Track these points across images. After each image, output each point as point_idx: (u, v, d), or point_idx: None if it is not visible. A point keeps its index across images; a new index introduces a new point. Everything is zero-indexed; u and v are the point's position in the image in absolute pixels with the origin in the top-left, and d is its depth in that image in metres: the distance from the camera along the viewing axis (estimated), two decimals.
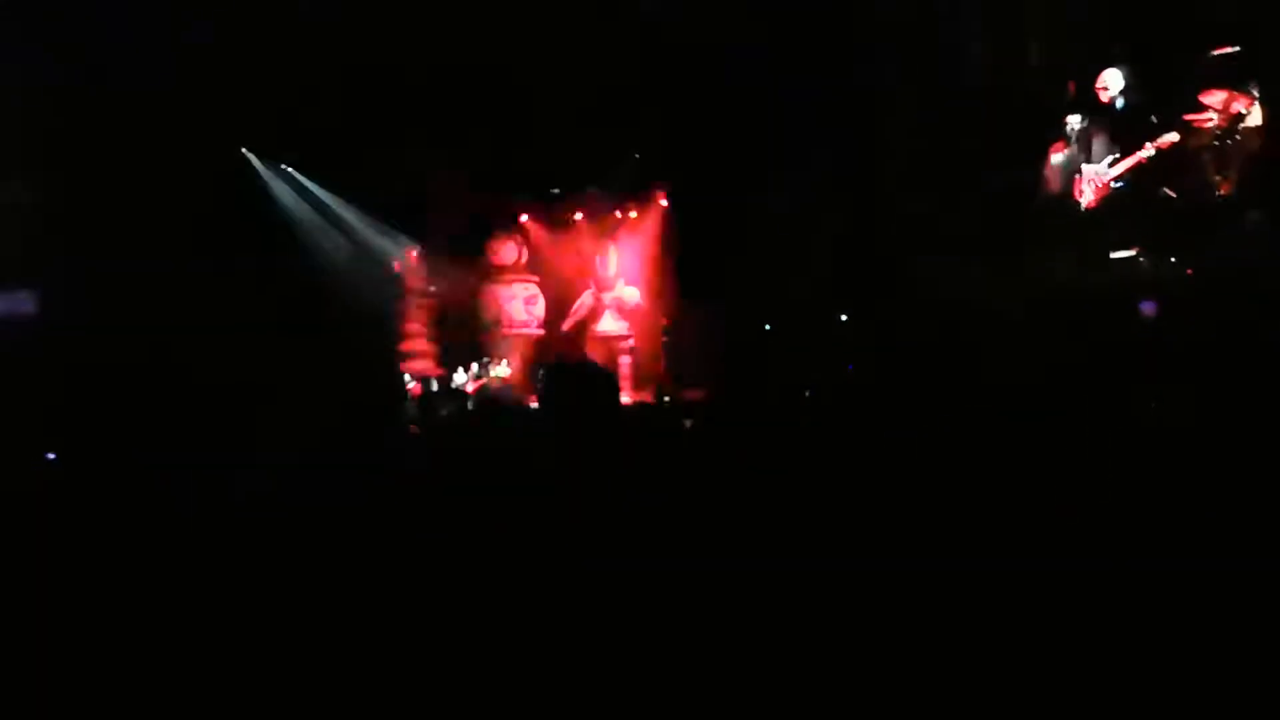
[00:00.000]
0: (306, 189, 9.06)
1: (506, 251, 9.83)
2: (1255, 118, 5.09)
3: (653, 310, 9.56)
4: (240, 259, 7.28)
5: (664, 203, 9.51)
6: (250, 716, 1.38)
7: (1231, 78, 5.15)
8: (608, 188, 9.67)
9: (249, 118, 7.80)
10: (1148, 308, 4.52)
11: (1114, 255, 5.57)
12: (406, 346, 9.37)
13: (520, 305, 9.83)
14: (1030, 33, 6.53)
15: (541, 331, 9.89)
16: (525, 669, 1.37)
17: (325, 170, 8.92)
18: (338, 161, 8.54)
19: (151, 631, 1.47)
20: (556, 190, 9.74)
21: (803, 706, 1.35)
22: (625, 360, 9.30)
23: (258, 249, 7.73)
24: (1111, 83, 5.76)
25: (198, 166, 7.28)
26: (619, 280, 9.75)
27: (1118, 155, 5.71)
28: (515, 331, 9.78)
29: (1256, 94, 5.11)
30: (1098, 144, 5.86)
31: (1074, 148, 5.98)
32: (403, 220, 9.43)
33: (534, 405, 2.97)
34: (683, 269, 9.00)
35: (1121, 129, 5.70)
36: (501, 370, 9.20)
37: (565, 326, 9.79)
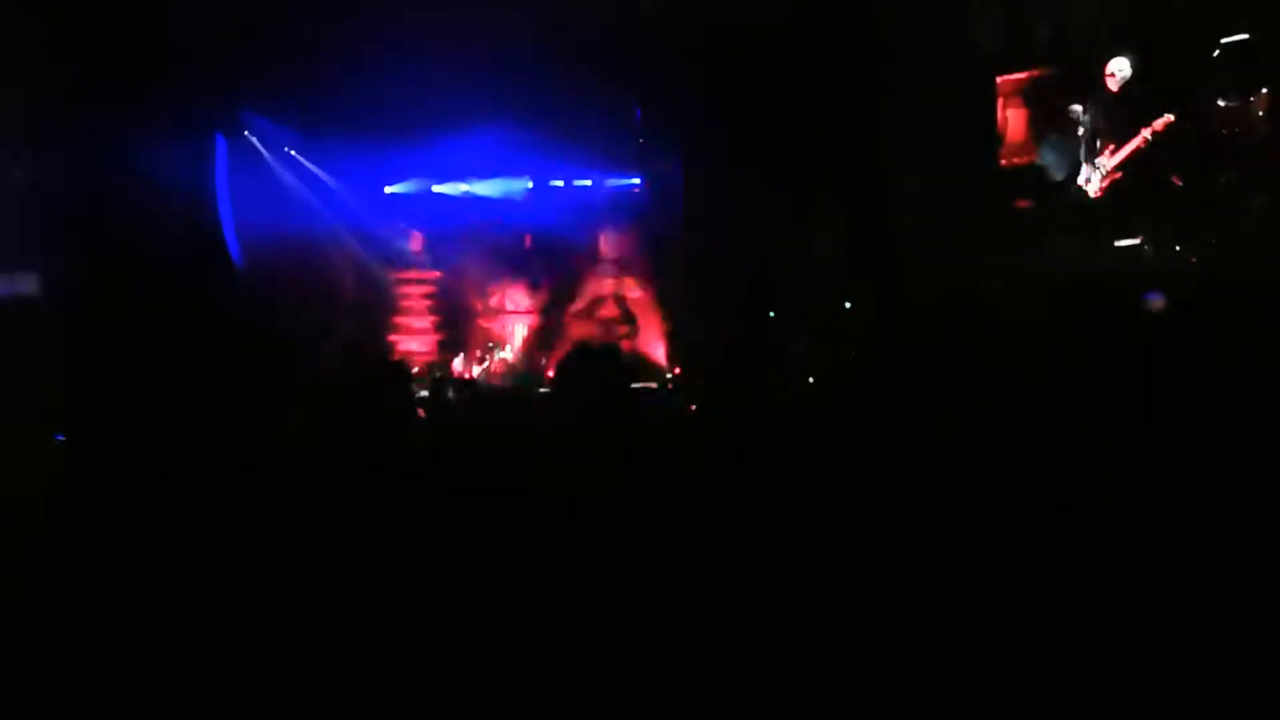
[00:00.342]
0: (309, 172, 9.04)
1: (511, 237, 9.82)
2: (1262, 106, 5.05)
3: (657, 297, 9.55)
4: (239, 242, 7.27)
5: (668, 189, 9.47)
6: (250, 716, 1.39)
7: (1241, 65, 5.11)
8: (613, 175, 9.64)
9: (254, 97, 7.77)
10: (1155, 299, 4.50)
11: (1119, 243, 5.55)
12: (410, 331, 9.39)
13: (524, 291, 9.83)
14: (1039, 16, 6.47)
15: (546, 317, 9.89)
16: (524, 669, 1.38)
17: (329, 153, 8.89)
18: (342, 144, 8.52)
19: (151, 629, 1.47)
20: (561, 177, 9.71)
21: (803, 706, 1.35)
22: (626, 347, 9.30)
23: (257, 233, 7.73)
24: (1119, 69, 5.71)
25: (198, 147, 7.26)
26: (622, 267, 9.74)
27: (1120, 142, 5.68)
28: (519, 317, 9.79)
29: (1265, 82, 5.06)
30: (1104, 131, 5.82)
31: (1079, 135, 5.94)
32: (407, 205, 9.43)
33: (543, 391, 2.96)
34: (687, 256, 8.98)
35: (1129, 116, 5.66)
36: (505, 355, 9.23)
37: (569, 313, 9.80)
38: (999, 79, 6.48)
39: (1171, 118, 5.34)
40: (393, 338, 9.09)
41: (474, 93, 7.96)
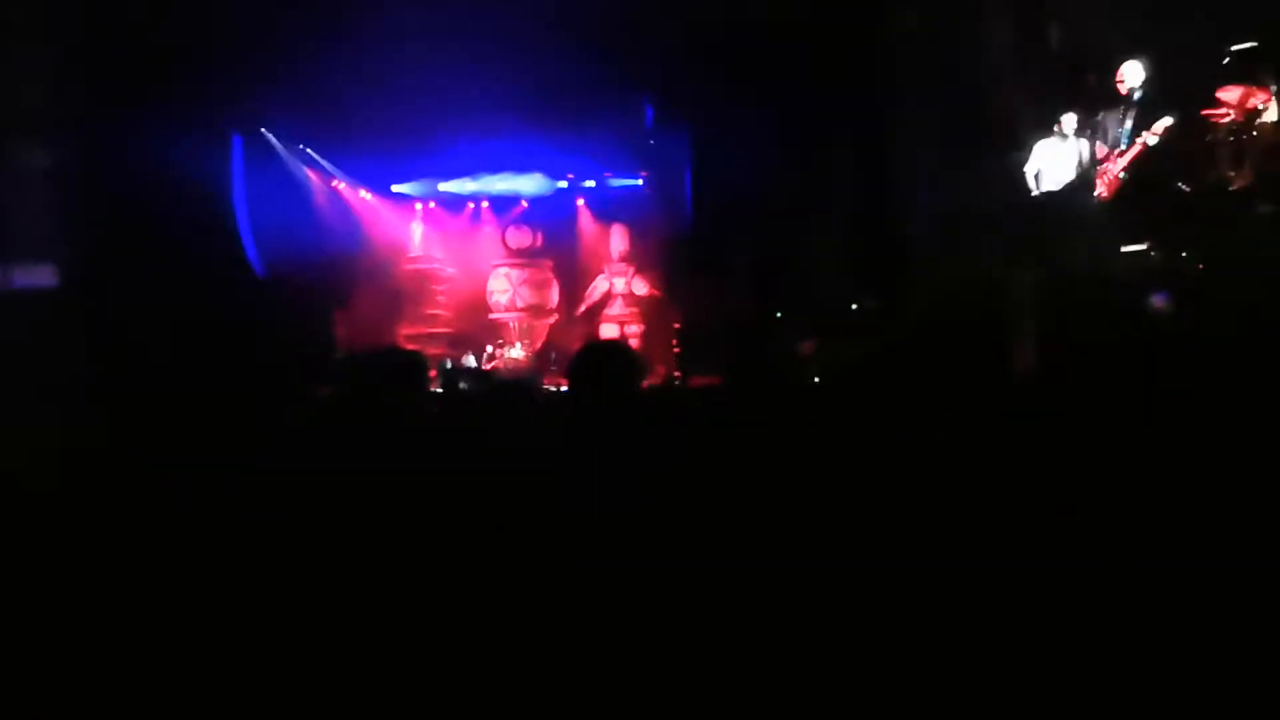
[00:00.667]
0: (323, 169, 9.10)
1: (520, 236, 9.86)
2: (1272, 113, 5.05)
3: (664, 297, 9.58)
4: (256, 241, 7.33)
5: (677, 189, 9.50)
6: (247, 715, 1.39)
7: (1249, 73, 5.11)
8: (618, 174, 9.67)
9: (269, 94, 7.82)
10: (1160, 300, 4.52)
11: (1125, 249, 5.56)
12: (421, 329, 9.44)
13: (533, 289, 9.88)
14: (1051, 19, 6.47)
15: (555, 316, 9.93)
16: (522, 668, 1.39)
17: (340, 151, 8.95)
18: (352, 141, 8.57)
19: (155, 626, 1.47)
20: (569, 176, 9.75)
21: (803, 706, 1.37)
22: (634, 345, 9.33)
23: (273, 230, 7.78)
24: (1131, 75, 5.72)
25: (215, 145, 7.32)
26: (631, 266, 9.77)
27: (1125, 147, 5.70)
28: (528, 314, 9.84)
29: (1274, 89, 5.06)
30: (1112, 136, 5.83)
31: (1084, 141, 5.95)
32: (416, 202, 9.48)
33: (550, 388, 2.99)
34: (695, 255, 9.00)
35: (1134, 122, 5.67)
36: (514, 352, 9.27)
37: (579, 311, 9.83)
38: (1005, 82, 6.49)
39: (1170, 122, 5.35)
40: (403, 334, 9.15)
41: (483, 91, 8.00)
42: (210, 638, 1.49)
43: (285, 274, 7.54)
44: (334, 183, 9.24)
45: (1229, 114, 5.21)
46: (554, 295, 9.95)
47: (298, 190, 8.76)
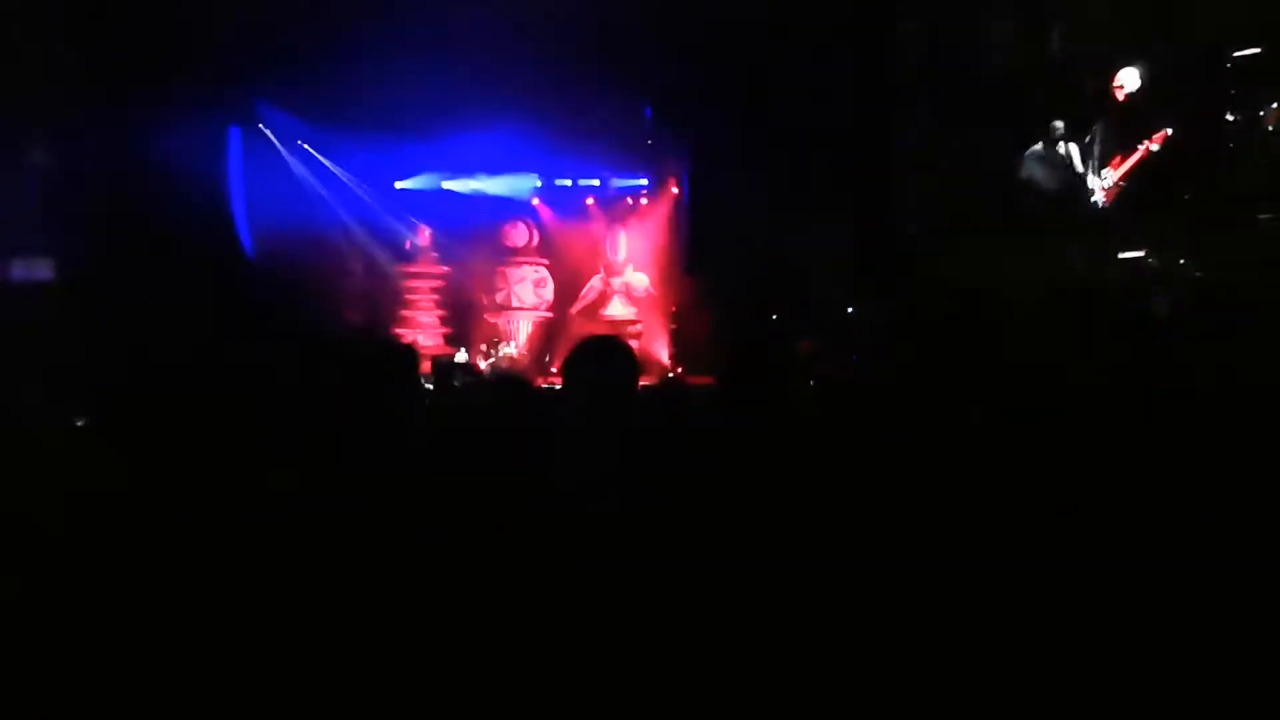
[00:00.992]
0: (320, 165, 9.08)
1: (518, 234, 9.85)
2: (1274, 120, 5.07)
3: (661, 297, 9.57)
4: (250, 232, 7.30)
5: (675, 190, 9.51)
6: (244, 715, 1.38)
7: (1253, 79, 5.13)
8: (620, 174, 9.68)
9: (269, 89, 7.81)
10: (1159, 303, 4.53)
11: (1122, 255, 5.58)
12: (416, 325, 9.42)
13: (530, 288, 9.86)
14: (1052, 27, 6.49)
15: (550, 314, 9.92)
16: (523, 669, 1.38)
17: (341, 147, 8.93)
18: (354, 138, 8.56)
19: (154, 625, 1.46)
20: (569, 176, 9.75)
21: (803, 707, 1.37)
22: (632, 345, 9.32)
23: (269, 223, 7.77)
24: (1128, 81, 5.73)
25: (213, 138, 7.30)
26: (628, 266, 9.76)
27: (1123, 154, 5.71)
28: (524, 313, 9.83)
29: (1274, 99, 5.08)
30: (1113, 143, 5.85)
31: (1075, 148, 5.97)
32: (416, 200, 9.47)
33: (545, 386, 2.97)
34: (693, 256, 9.01)
35: (1134, 129, 5.69)
36: (509, 350, 9.26)
37: (574, 310, 9.82)
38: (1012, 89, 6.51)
39: (1169, 131, 5.37)
40: (399, 330, 9.13)
41: (485, 90, 8.00)
42: (208, 638, 1.48)
43: (281, 266, 7.52)
44: (332, 177, 9.22)
45: (1233, 120, 5.23)
46: (550, 294, 9.94)
47: (294, 184, 8.74)
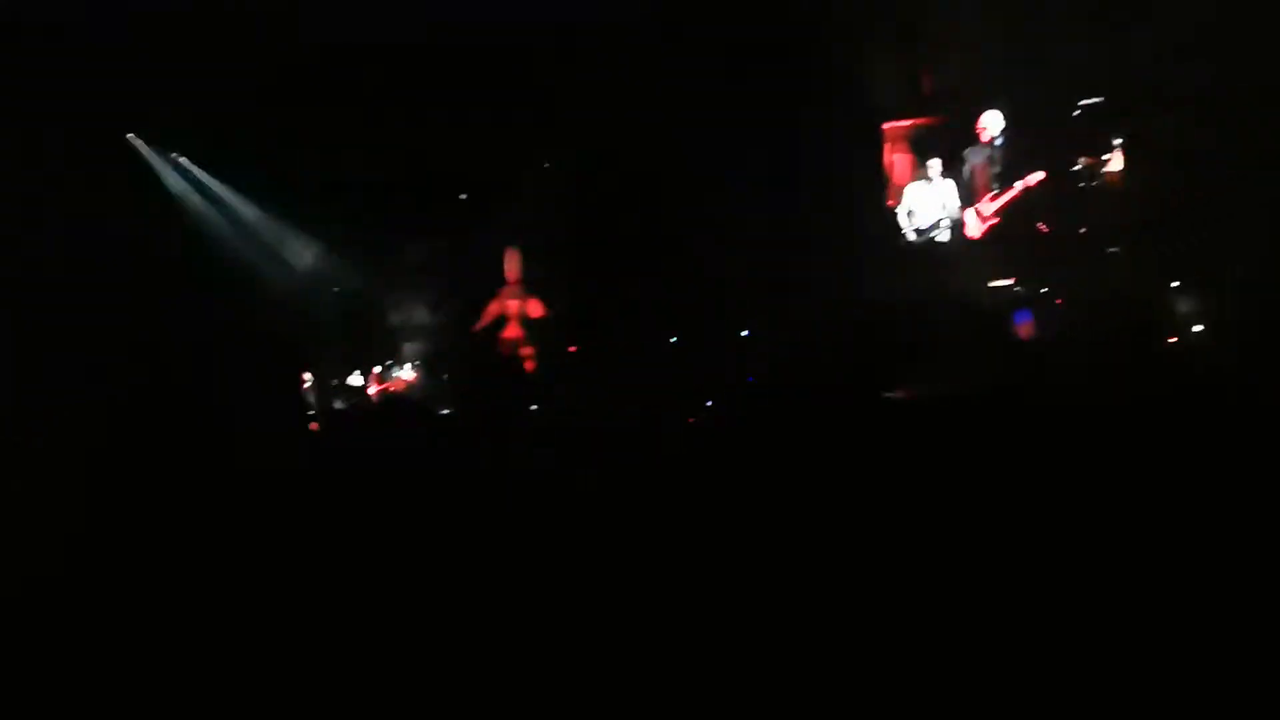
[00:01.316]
0: (200, 182, 8.64)
1: (417, 252, 9.66)
2: (1116, 163, 5.63)
3: (559, 318, 9.57)
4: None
5: (578, 211, 9.55)
6: None
7: (1096, 126, 5.68)
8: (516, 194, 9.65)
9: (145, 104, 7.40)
10: (1022, 319, 4.92)
11: (993, 284, 6.03)
12: (305, 345, 9.05)
13: (425, 308, 9.67)
14: (924, 70, 6.97)
15: (449, 335, 9.74)
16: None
17: (224, 163, 8.54)
18: (239, 155, 8.19)
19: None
20: (465, 195, 9.65)
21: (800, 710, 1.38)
22: (529, 367, 9.26)
23: (147, 240, 7.32)
24: (991, 124, 6.23)
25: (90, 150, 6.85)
26: (527, 287, 9.72)
27: (996, 191, 6.19)
28: (421, 334, 9.61)
29: (1117, 141, 5.65)
30: (980, 180, 6.32)
31: (950, 183, 6.42)
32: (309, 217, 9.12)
33: (444, 409, 2.95)
34: (591, 278, 9.06)
35: (1003, 167, 6.18)
36: (404, 373, 9.02)
37: (472, 331, 9.68)
38: (885, 126, 6.95)
39: (1044, 174, 5.85)
40: (288, 351, 8.73)
41: (383, 102, 7.85)
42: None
43: (156, 285, 7.09)
44: (212, 192, 8.78)
45: (1079, 163, 5.77)
46: (448, 314, 9.76)
47: (168, 198, 8.29)
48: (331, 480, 1.94)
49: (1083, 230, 5.73)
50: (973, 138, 6.32)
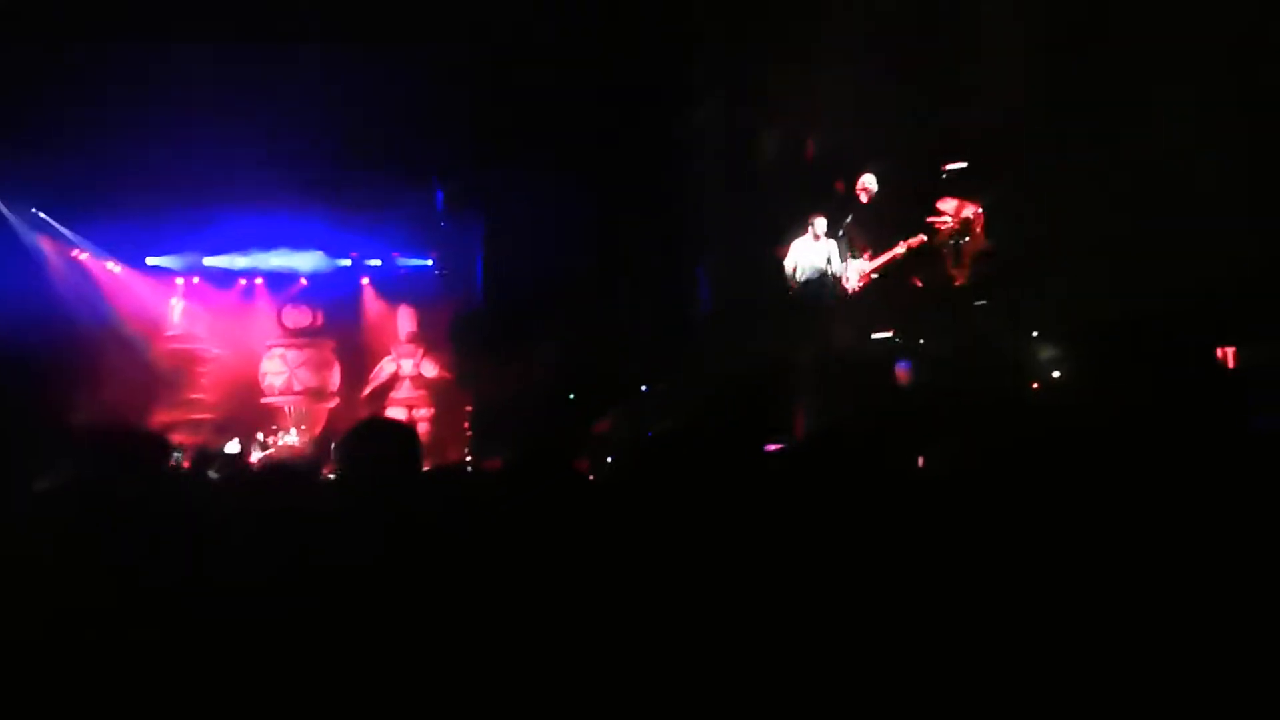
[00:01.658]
0: (60, 236, 8.11)
1: (297, 314, 9.30)
2: (978, 222, 6.06)
3: (454, 378, 9.40)
4: None
5: (468, 270, 9.48)
6: None
7: (962, 188, 6.12)
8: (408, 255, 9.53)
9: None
10: (903, 368, 5.16)
11: (875, 335, 6.31)
12: (180, 414, 8.50)
13: (312, 371, 9.29)
14: (805, 131, 7.36)
15: (336, 399, 9.38)
16: None
17: (87, 218, 8.06)
18: (102, 209, 7.76)
19: None
20: (353, 254, 9.44)
21: None
22: (424, 429, 9.02)
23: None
24: (868, 185, 6.61)
25: None
26: (419, 348, 9.52)
27: (876, 249, 6.54)
28: (306, 398, 9.20)
29: (980, 202, 6.09)
30: (859, 238, 6.67)
31: (833, 240, 6.75)
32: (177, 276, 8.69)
33: (329, 475, 2.81)
34: (486, 336, 8.97)
35: (882, 226, 6.54)
36: (289, 439, 8.58)
37: (363, 394, 9.36)
38: (774, 184, 7.26)
39: (924, 238, 6.21)
40: (155, 417, 8.18)
41: (259, 163, 7.62)
42: None
43: (11, 350, 6.53)
44: (74, 252, 8.25)
45: (948, 222, 6.17)
46: (335, 377, 9.42)
47: (25, 257, 7.72)
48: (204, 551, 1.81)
49: (955, 285, 6.11)
50: (853, 198, 6.67)
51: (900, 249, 6.32)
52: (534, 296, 8.16)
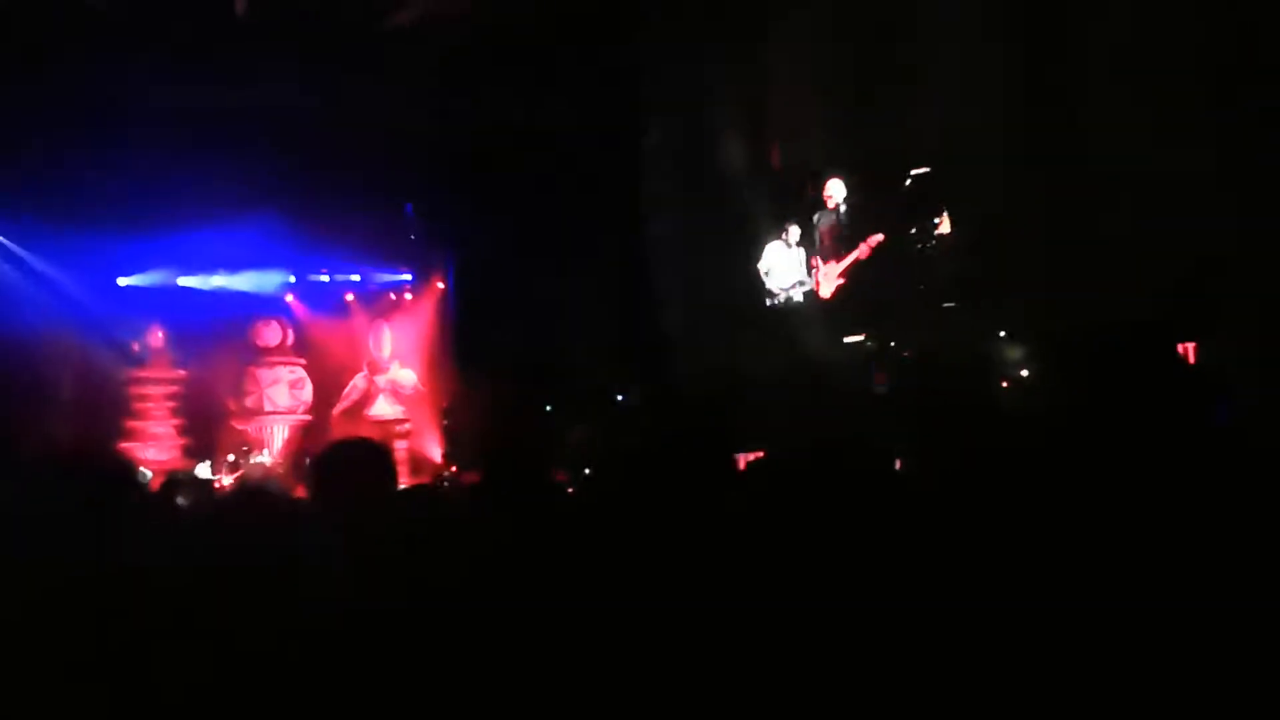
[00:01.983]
0: (19, 257, 7.96)
1: (269, 333, 9.18)
2: (945, 227, 6.14)
3: (430, 393, 9.33)
4: None
5: (441, 285, 9.44)
6: None
7: (926, 193, 6.21)
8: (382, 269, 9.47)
9: None
10: (879, 379, 5.21)
11: (846, 340, 6.37)
12: (146, 436, 8.35)
13: (284, 390, 9.17)
14: (773, 139, 7.44)
15: (309, 417, 9.26)
16: None
17: (53, 239, 7.92)
18: (68, 229, 7.64)
19: None
20: (325, 271, 9.36)
21: None
22: (401, 445, 8.94)
23: None
24: (835, 191, 6.69)
25: None
26: (394, 363, 9.44)
27: (843, 254, 6.62)
28: (279, 417, 9.08)
29: (946, 206, 6.18)
30: (828, 243, 6.74)
31: (804, 246, 6.83)
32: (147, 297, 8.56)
33: (302, 496, 2.79)
34: (460, 351, 8.93)
35: (849, 231, 6.62)
36: (262, 459, 8.46)
37: (337, 411, 9.26)
38: (742, 193, 7.32)
39: (882, 236, 6.31)
40: (125, 443, 8.03)
41: (231, 181, 7.56)
42: None
43: None
44: (39, 271, 8.10)
45: (914, 228, 6.26)
46: (308, 396, 9.30)
47: None
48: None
49: (921, 288, 6.19)
50: (821, 204, 6.75)
51: (862, 250, 6.41)
52: (505, 309, 8.16)
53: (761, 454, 3.00)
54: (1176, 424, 1.62)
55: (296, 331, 9.28)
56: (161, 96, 6.88)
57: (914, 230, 6.21)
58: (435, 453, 9.00)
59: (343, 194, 8.20)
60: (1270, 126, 4.17)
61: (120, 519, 2.11)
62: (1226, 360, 3.84)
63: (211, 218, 8.10)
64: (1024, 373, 4.30)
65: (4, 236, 7.80)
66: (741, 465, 2.97)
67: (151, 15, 6.68)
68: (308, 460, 8.46)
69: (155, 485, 7.55)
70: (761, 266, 6.94)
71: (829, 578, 1.68)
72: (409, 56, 7.09)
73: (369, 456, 2.22)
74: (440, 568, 1.90)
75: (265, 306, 9.23)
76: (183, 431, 8.67)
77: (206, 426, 8.74)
